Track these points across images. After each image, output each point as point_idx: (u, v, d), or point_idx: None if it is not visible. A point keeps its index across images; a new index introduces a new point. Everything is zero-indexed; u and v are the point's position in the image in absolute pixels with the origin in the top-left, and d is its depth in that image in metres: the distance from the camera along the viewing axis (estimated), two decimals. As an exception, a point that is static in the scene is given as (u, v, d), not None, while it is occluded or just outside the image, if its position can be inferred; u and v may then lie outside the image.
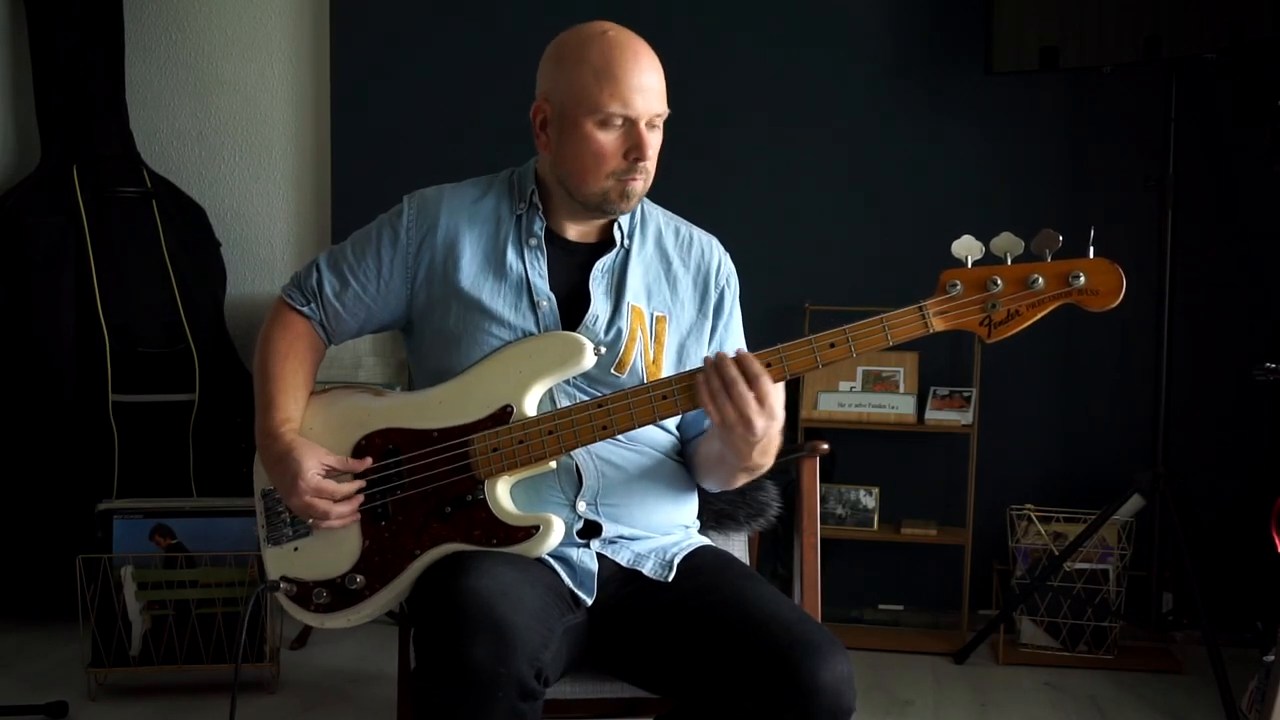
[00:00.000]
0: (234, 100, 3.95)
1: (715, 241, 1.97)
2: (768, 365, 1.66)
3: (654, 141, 1.79)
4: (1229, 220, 3.44)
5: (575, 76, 1.75)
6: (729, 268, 1.96)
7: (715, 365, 1.64)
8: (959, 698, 3.04)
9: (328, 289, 1.88)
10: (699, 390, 1.64)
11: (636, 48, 1.77)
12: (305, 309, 1.89)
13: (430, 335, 1.86)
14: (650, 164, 1.80)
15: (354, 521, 1.77)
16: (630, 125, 1.75)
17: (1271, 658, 2.36)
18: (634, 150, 1.76)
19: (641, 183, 1.80)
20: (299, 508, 1.76)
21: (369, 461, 1.77)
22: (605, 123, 1.75)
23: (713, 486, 1.91)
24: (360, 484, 1.77)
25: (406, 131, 3.81)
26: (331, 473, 1.77)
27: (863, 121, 3.61)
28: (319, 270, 1.90)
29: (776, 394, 1.64)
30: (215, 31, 3.95)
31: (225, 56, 3.95)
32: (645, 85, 1.75)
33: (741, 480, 1.81)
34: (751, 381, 1.62)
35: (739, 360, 1.63)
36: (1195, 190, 3.33)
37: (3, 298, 3.44)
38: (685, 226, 1.96)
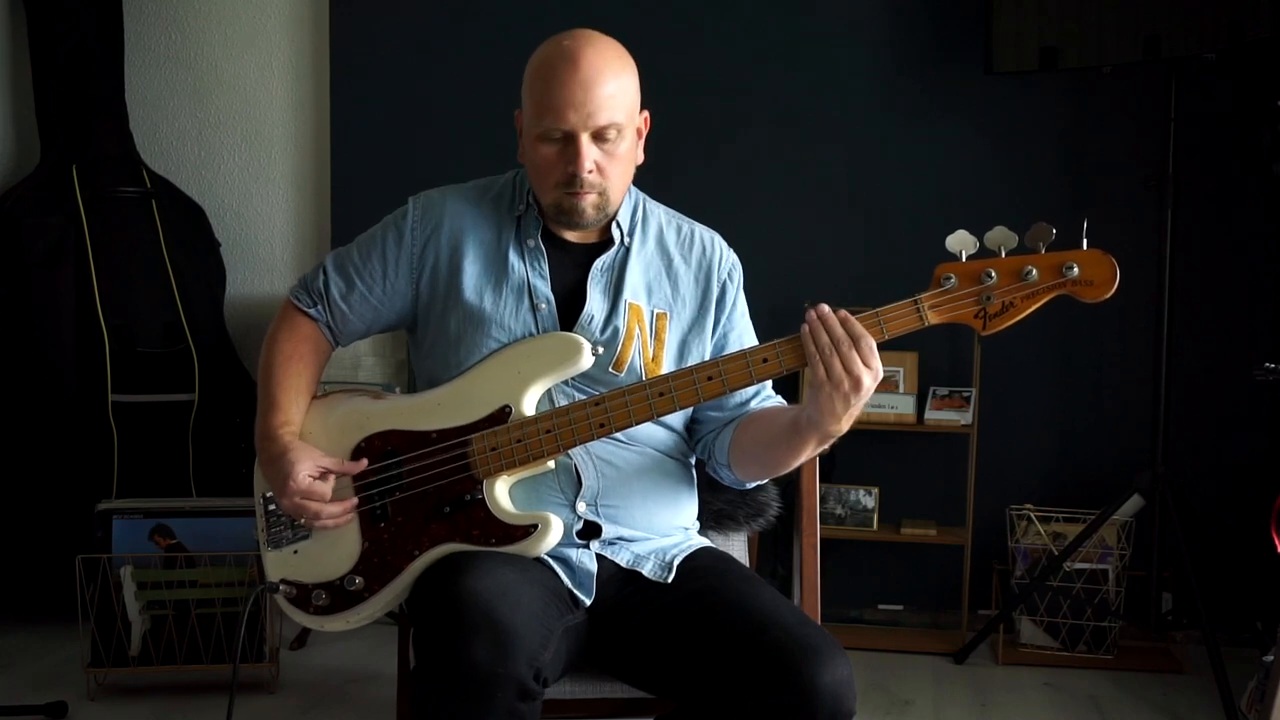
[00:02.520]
0: (234, 100, 3.95)
1: (718, 237, 1.97)
2: (764, 361, 1.67)
3: (604, 153, 1.75)
4: (1229, 220, 3.44)
5: (527, 88, 1.77)
6: (731, 260, 1.95)
7: (821, 321, 1.61)
8: (959, 698, 3.04)
9: (334, 290, 1.89)
10: (806, 340, 1.61)
11: (580, 58, 1.73)
12: (312, 310, 1.90)
13: (432, 335, 1.87)
14: (597, 177, 1.76)
15: (349, 522, 1.77)
16: (567, 139, 1.74)
17: (1271, 658, 2.36)
18: (570, 164, 1.74)
19: (592, 197, 1.77)
20: (289, 509, 1.77)
21: (364, 464, 1.78)
22: (545, 136, 1.75)
23: (761, 472, 1.85)
24: (353, 488, 1.77)
25: (406, 131, 3.81)
26: (326, 475, 1.77)
27: (863, 121, 3.61)
28: (325, 272, 1.91)
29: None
30: (215, 31, 3.95)
31: (225, 56, 3.95)
32: (581, 99, 1.71)
33: (806, 455, 1.74)
34: (856, 341, 1.60)
35: (844, 320, 1.61)
36: (1195, 190, 3.33)
37: (3, 298, 3.44)
38: (687, 224, 1.96)
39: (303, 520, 1.78)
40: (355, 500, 1.77)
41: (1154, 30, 3.10)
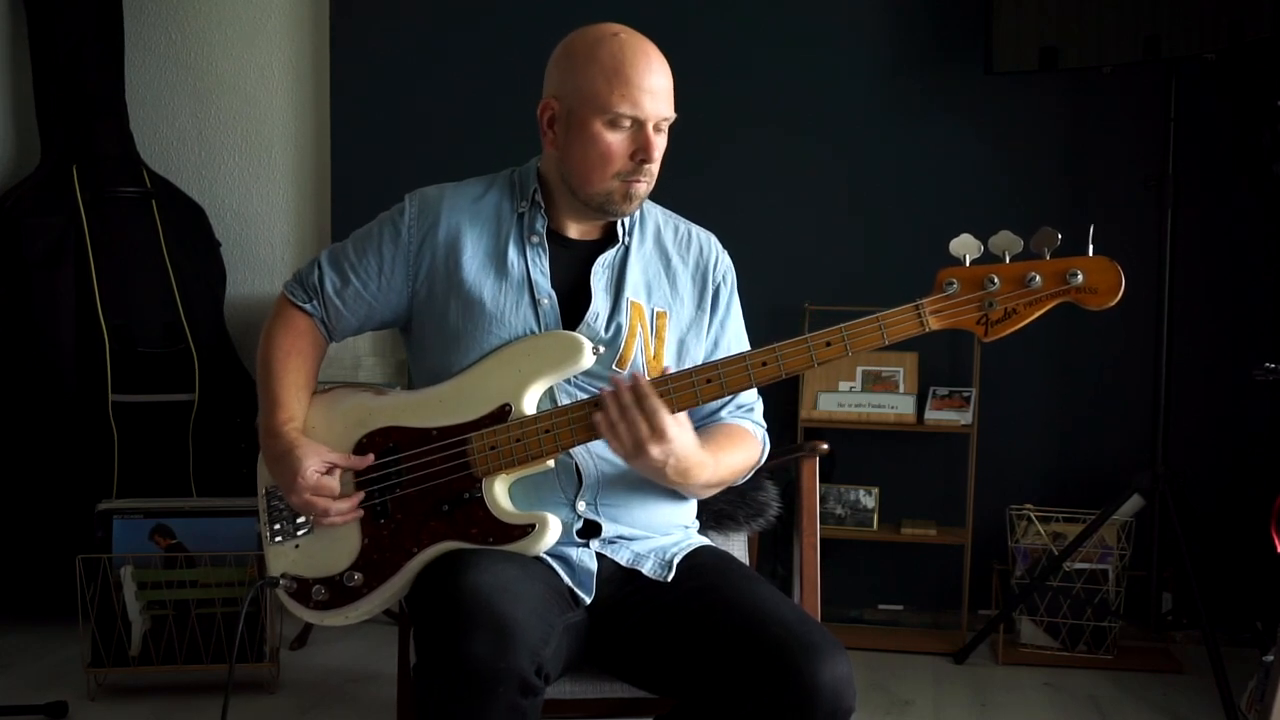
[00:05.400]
0: (234, 100, 3.95)
1: (713, 238, 1.98)
2: (763, 364, 1.67)
3: (660, 144, 1.79)
4: (1229, 220, 3.44)
5: (586, 76, 1.76)
6: (726, 263, 1.97)
7: (613, 392, 1.66)
8: (959, 698, 3.04)
9: (329, 286, 1.89)
10: (598, 425, 1.67)
11: (648, 50, 1.78)
12: (307, 305, 1.90)
13: (430, 333, 1.86)
14: (655, 166, 1.80)
15: (356, 518, 1.77)
16: (639, 127, 1.76)
17: (1271, 658, 2.36)
18: (640, 152, 1.76)
19: (645, 185, 1.81)
20: (299, 505, 1.77)
21: (371, 459, 1.78)
22: (614, 123, 1.75)
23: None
24: (355, 484, 1.77)
25: (406, 131, 3.81)
26: (333, 470, 1.77)
27: (863, 121, 3.61)
28: (320, 267, 1.91)
29: (674, 422, 1.66)
30: (215, 31, 3.95)
31: (225, 56, 3.95)
32: (655, 88, 1.75)
33: (705, 494, 1.86)
34: (642, 403, 1.65)
35: (634, 387, 1.65)
36: (1195, 190, 3.33)
37: (3, 298, 3.45)
38: (684, 224, 1.97)
39: (311, 517, 1.78)
40: (362, 494, 1.78)
41: (1154, 30, 3.11)
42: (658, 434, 1.64)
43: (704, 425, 1.88)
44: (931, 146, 3.57)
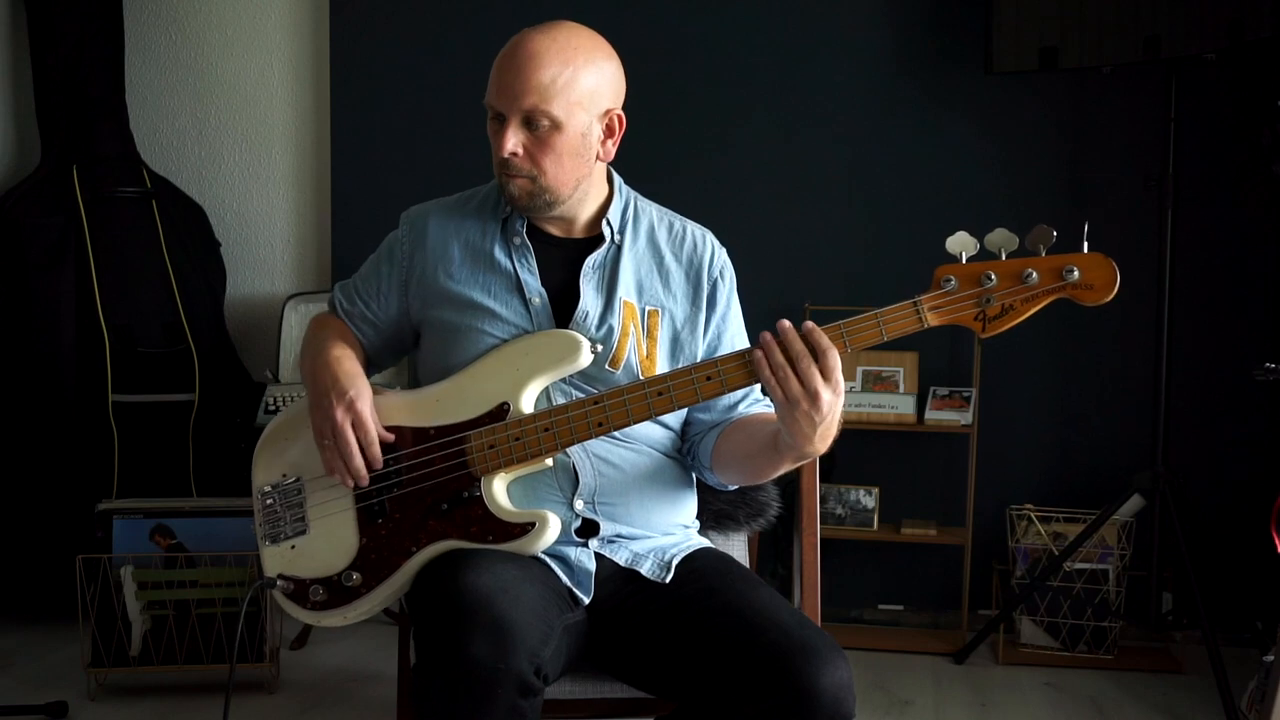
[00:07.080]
0: (234, 100, 3.95)
1: (709, 235, 1.96)
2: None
3: (534, 139, 1.75)
4: (1229, 220, 3.44)
5: None
6: (723, 259, 1.94)
7: (782, 338, 1.59)
8: (959, 698, 3.04)
9: (339, 311, 1.96)
10: (759, 365, 1.60)
11: (527, 42, 1.75)
12: (338, 312, 1.97)
13: (429, 338, 1.88)
14: (524, 163, 1.76)
15: (352, 502, 1.77)
16: (499, 120, 1.77)
17: (1271, 658, 2.36)
18: (497, 146, 1.77)
19: (521, 181, 1.77)
20: (333, 427, 1.73)
21: (392, 437, 1.76)
22: (490, 116, 1.79)
23: (743, 479, 1.87)
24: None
25: (406, 132, 3.81)
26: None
27: (863, 121, 3.61)
28: (335, 296, 1.98)
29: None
30: (215, 31, 3.95)
31: (225, 56, 3.95)
32: (509, 81, 1.74)
33: (785, 469, 1.74)
34: (819, 356, 1.58)
35: (806, 334, 1.59)
36: (1195, 190, 3.33)
37: (3, 298, 3.45)
38: (679, 221, 1.96)
39: (326, 444, 1.75)
40: (366, 479, 1.75)
41: (1154, 30, 3.10)
42: (833, 384, 1.58)
43: (731, 422, 1.85)
44: (931, 146, 3.57)
